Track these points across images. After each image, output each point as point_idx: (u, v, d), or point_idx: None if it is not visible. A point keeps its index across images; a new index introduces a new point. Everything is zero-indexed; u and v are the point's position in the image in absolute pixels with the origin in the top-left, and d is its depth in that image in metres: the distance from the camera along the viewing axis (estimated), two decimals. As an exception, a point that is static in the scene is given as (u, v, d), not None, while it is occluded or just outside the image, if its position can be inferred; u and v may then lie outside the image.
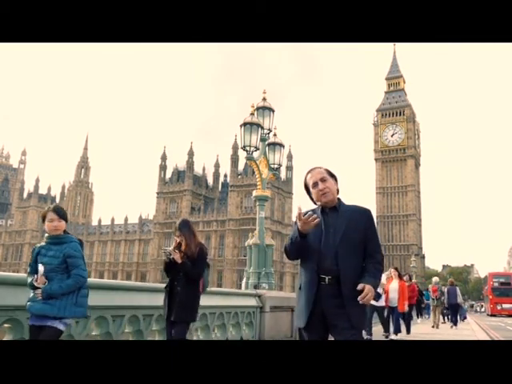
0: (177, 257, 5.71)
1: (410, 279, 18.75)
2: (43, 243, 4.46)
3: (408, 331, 15.45)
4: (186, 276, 5.76)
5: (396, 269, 14.92)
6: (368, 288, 3.32)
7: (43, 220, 4.47)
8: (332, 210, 3.67)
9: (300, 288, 3.64)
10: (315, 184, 3.70)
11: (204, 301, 7.74)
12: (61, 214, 4.47)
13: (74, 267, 4.30)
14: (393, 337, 13.38)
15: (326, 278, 3.46)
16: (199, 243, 5.97)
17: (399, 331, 14.25)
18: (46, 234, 4.47)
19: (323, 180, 3.69)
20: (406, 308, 14.42)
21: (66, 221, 4.53)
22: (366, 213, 3.72)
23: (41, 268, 4.24)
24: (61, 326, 4.25)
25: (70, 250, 4.34)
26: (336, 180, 3.79)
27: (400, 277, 14.61)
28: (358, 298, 3.29)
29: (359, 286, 3.32)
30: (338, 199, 3.74)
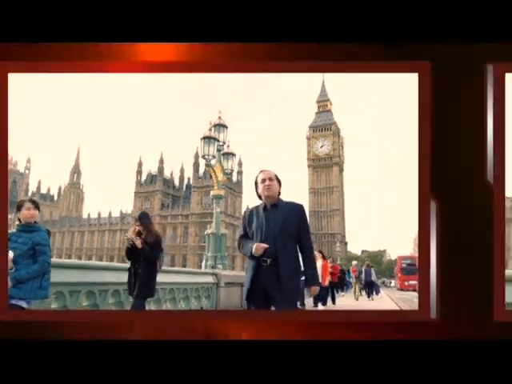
0: (138, 243, 5.54)
1: (333, 261, 19.11)
2: (14, 230, 4.20)
3: (333, 302, 15.62)
4: (145, 259, 5.61)
5: (320, 251, 15.04)
6: (313, 290, 3.67)
7: (19, 209, 4.20)
8: (272, 206, 3.77)
9: (247, 270, 3.75)
10: (263, 180, 3.79)
11: (172, 278, 7.99)
12: (36, 203, 4.29)
13: (41, 254, 4.09)
14: (320, 307, 13.44)
15: (268, 260, 3.55)
16: (156, 231, 5.92)
17: (325, 302, 14.41)
18: (17, 223, 4.22)
19: (270, 179, 3.80)
20: (327, 283, 14.53)
21: (39, 211, 4.34)
22: (299, 208, 3.83)
23: (10, 254, 3.97)
24: (24, 305, 4.03)
25: (39, 239, 4.12)
26: (280, 184, 3.91)
27: (323, 257, 14.71)
28: (310, 295, 3.71)
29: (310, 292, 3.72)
30: (279, 198, 3.85)
